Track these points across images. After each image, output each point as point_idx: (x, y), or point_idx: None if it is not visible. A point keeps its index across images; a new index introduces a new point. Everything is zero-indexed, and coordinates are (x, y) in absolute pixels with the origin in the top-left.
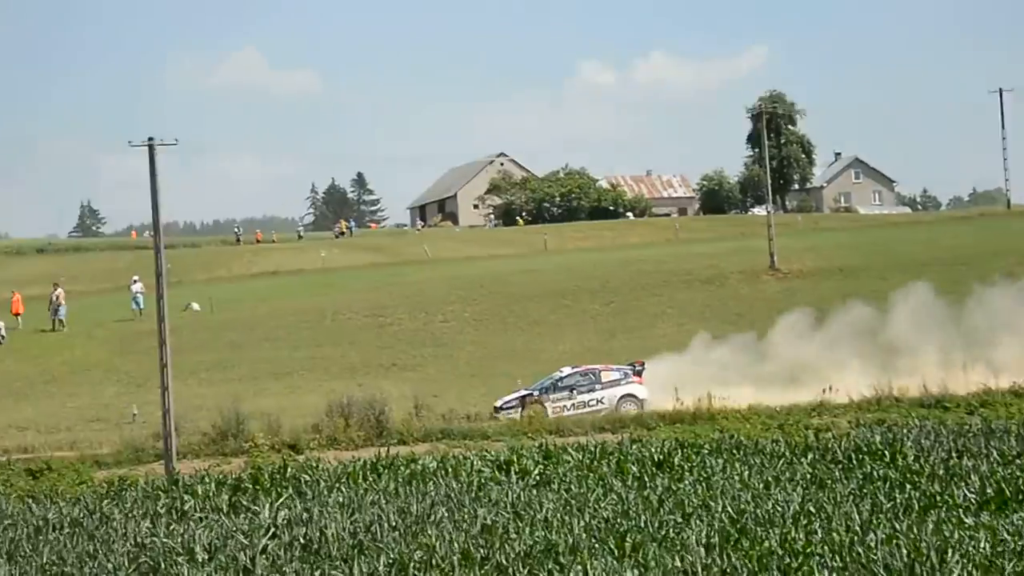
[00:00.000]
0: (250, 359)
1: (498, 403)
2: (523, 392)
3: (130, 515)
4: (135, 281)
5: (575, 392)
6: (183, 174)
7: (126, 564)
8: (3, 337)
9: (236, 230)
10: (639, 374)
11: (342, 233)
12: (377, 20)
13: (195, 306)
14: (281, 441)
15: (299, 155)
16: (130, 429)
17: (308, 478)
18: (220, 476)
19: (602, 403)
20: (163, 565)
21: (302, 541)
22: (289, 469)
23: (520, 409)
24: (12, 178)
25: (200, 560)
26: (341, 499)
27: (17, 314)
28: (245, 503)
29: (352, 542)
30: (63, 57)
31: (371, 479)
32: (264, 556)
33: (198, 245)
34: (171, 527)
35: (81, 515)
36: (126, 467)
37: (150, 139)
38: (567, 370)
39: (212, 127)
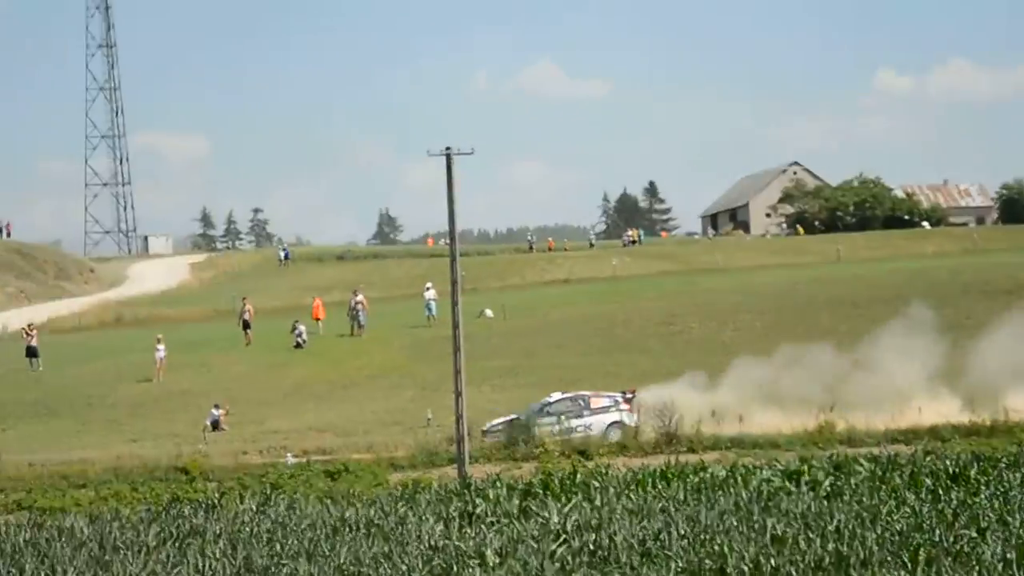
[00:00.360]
0: (541, 366)
1: (485, 427)
2: (511, 416)
3: (424, 518)
4: (428, 288)
5: (563, 418)
6: (478, 182)
7: (420, 566)
8: (304, 341)
9: (529, 238)
10: (629, 402)
11: (633, 242)
12: (670, 28)
13: (488, 313)
14: (571, 447)
15: (591, 163)
16: (424, 433)
17: (597, 484)
18: (511, 481)
19: (590, 430)
20: (455, 568)
21: (591, 547)
22: (579, 475)
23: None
24: (314, 186)
25: (491, 564)
26: (630, 506)
27: (318, 319)
28: (535, 508)
29: (640, 549)
30: (365, 65)
31: (660, 486)
32: (553, 561)
33: (491, 253)
34: (463, 530)
35: (377, 516)
36: (420, 470)
37: (447, 148)
38: (556, 395)
39: (507, 136)
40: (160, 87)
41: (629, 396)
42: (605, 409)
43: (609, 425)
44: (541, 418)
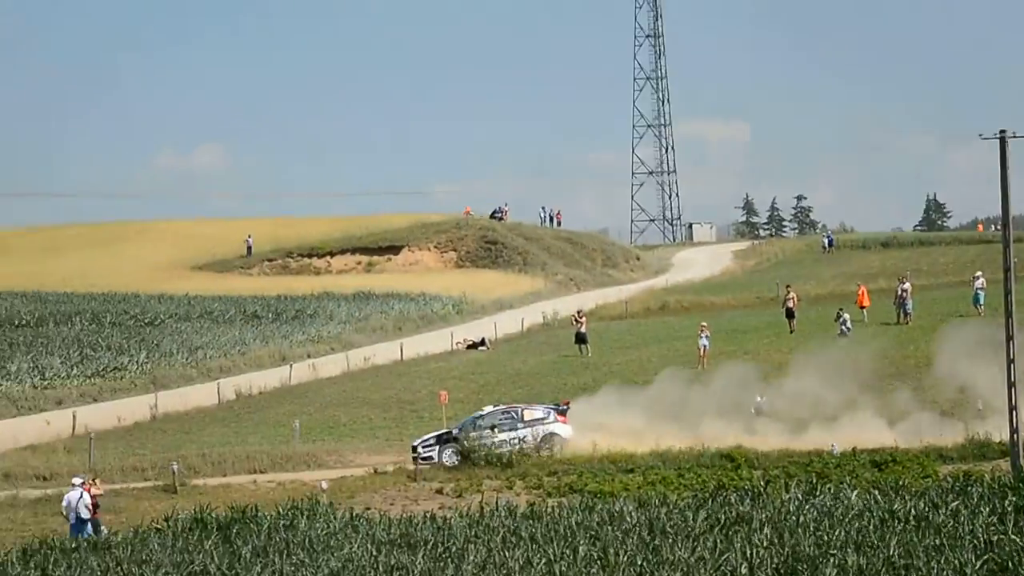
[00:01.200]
0: None
1: (415, 442)
2: (440, 432)
3: (976, 511)
4: (978, 276)
5: (496, 431)
6: None
7: (973, 560)
8: (849, 330)
9: None
10: (563, 413)
11: None
12: None
13: None
14: None
15: None
16: (974, 424)
17: None
18: None
19: (524, 442)
20: (1011, 564)
21: None
22: None
23: (437, 448)
24: (858, 172)
25: None
26: None
27: (863, 307)
28: None
29: None
30: (918, 49)
31: None
32: None
33: None
34: (1020, 525)
35: (926, 509)
36: (970, 463)
37: (1002, 131)
38: (489, 408)
39: None
40: (704, 75)
41: (563, 408)
42: (539, 421)
43: (543, 436)
44: (474, 431)
